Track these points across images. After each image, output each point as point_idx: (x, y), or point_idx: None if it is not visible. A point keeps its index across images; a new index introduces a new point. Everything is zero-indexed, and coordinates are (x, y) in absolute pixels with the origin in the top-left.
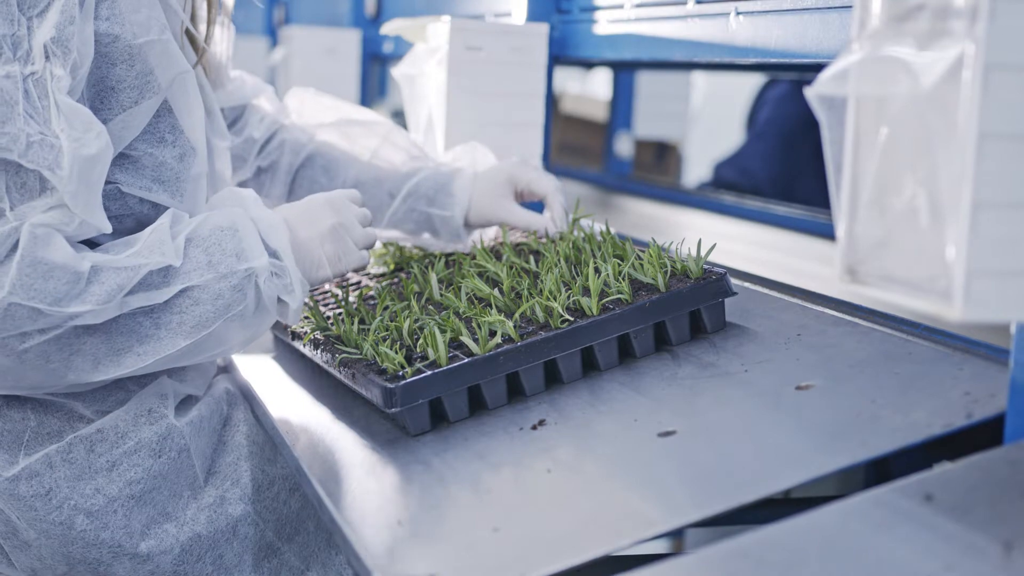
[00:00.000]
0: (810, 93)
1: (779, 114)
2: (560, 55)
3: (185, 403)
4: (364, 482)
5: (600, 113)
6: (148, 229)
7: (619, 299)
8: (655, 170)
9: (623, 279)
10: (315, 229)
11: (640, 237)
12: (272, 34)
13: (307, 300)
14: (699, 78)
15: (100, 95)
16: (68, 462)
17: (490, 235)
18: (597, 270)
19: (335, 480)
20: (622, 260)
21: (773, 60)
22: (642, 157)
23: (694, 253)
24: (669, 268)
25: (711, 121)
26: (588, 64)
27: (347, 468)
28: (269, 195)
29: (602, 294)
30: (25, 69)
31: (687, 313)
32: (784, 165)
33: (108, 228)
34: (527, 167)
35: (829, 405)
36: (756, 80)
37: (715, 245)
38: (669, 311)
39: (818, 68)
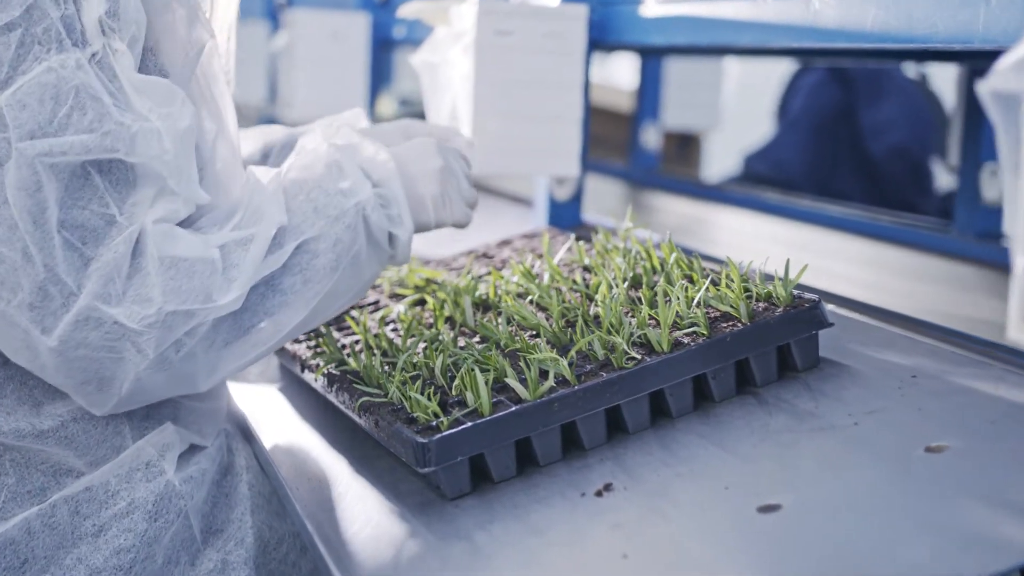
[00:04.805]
0: (982, 88)
1: (814, 103)
2: (600, 40)
3: (184, 454)
4: (392, 562)
5: (623, 103)
6: (244, 194)
7: (694, 332)
8: (677, 161)
9: (699, 306)
10: (423, 167)
11: (678, 241)
12: (273, 18)
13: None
14: (732, 65)
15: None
16: (50, 527)
17: None
18: (666, 296)
19: (356, 558)
20: (691, 282)
21: (869, 46)
22: (664, 149)
23: (764, 268)
24: (754, 293)
25: (733, 110)
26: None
27: (370, 542)
28: None
29: (673, 325)
30: (85, 53)
31: (775, 348)
32: (819, 157)
33: (206, 199)
34: (420, 122)
35: (974, 475)
36: (785, 67)
37: (806, 266)
38: (754, 346)
39: (927, 55)
